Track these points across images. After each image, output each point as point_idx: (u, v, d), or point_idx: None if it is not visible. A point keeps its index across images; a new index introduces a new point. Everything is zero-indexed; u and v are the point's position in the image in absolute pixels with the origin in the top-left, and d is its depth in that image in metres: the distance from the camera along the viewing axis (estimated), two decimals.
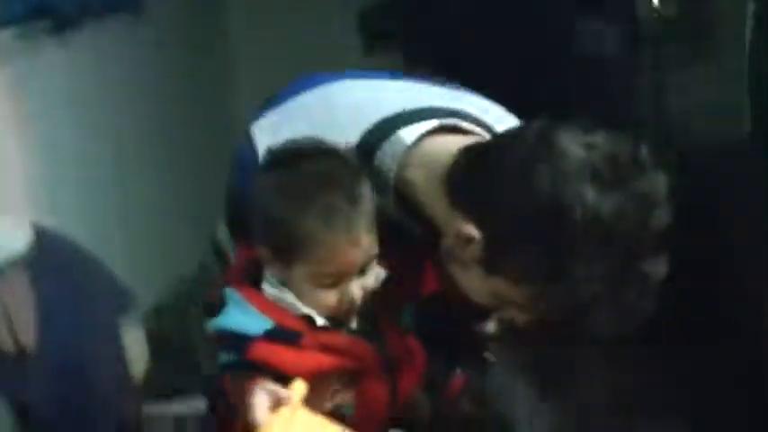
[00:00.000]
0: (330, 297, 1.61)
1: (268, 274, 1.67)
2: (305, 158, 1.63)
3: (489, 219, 1.57)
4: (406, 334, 1.74)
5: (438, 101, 1.80)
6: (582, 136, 1.55)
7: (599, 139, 1.55)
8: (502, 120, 1.84)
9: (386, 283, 1.67)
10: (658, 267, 1.56)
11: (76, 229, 2.56)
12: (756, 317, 3.07)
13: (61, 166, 2.98)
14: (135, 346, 2.94)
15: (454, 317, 1.77)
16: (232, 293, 1.67)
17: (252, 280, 1.69)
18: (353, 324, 1.69)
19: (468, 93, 1.91)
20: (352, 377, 1.67)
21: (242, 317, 1.63)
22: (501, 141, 1.66)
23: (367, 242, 1.59)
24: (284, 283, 1.65)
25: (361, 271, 1.60)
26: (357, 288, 1.61)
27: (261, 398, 1.51)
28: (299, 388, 1.53)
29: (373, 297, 1.66)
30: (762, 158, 3.00)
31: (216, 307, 1.67)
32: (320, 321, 1.63)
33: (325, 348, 1.63)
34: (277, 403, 1.51)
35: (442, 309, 1.79)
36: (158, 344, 3.01)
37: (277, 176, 1.63)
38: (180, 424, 3.09)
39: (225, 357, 1.64)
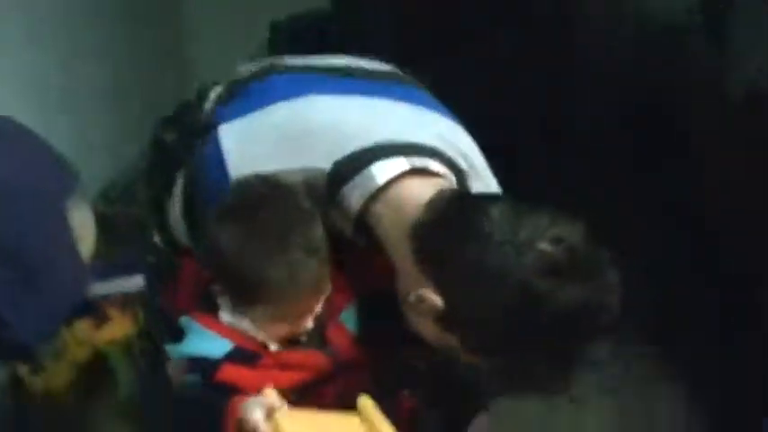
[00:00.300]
0: (285, 329, 1.73)
1: (222, 302, 1.75)
2: (262, 207, 1.68)
3: (451, 291, 1.64)
4: (352, 335, 1.84)
5: (409, 128, 1.83)
6: (547, 228, 1.61)
7: (563, 231, 1.61)
8: (470, 150, 1.91)
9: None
10: (600, 353, 1.66)
11: (20, 113, 2.59)
12: None
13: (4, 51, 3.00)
14: (83, 227, 3.00)
15: (396, 313, 1.80)
16: (189, 322, 1.77)
17: (205, 304, 1.78)
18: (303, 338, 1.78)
19: (431, 106, 1.97)
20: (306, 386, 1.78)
21: (202, 343, 1.73)
22: (468, 214, 1.67)
23: (327, 286, 1.71)
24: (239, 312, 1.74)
25: None
26: (311, 320, 1.74)
27: (255, 411, 1.59)
28: (271, 392, 1.64)
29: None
30: None
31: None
32: (273, 347, 1.75)
33: (284, 366, 1.76)
34: (269, 412, 1.60)
35: (383, 306, 1.82)
36: (105, 226, 3.09)
37: (235, 229, 1.67)
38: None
39: (192, 381, 1.73)
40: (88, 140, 3.41)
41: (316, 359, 1.79)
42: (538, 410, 2.20)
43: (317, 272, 1.67)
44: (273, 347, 1.76)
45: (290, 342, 1.78)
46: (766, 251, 2.96)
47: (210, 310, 1.77)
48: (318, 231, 1.69)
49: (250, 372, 1.73)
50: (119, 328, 3.20)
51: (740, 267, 3.21)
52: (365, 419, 1.64)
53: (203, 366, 1.72)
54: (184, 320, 1.78)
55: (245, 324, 1.74)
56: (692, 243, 3.35)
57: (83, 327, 3.16)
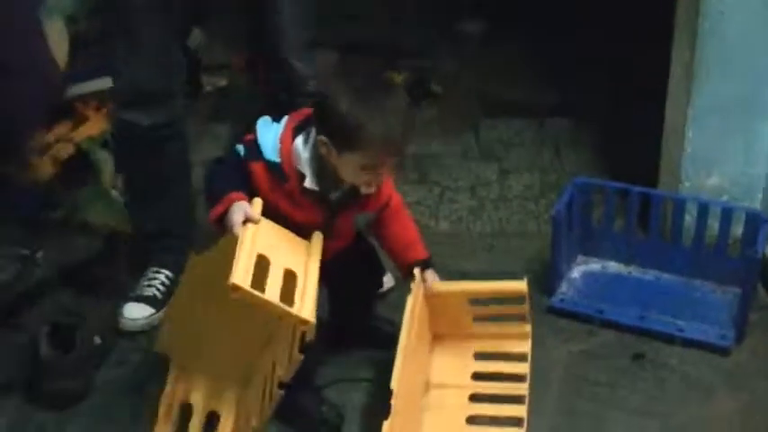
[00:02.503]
0: (364, 178, 2.14)
1: (310, 135, 2.15)
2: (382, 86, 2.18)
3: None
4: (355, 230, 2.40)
5: None
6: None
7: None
8: None
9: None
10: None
11: None
12: None
13: None
14: (57, 38, 3.68)
15: None
16: (281, 123, 2.19)
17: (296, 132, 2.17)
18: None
19: None
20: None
21: (270, 146, 2.14)
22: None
23: (399, 155, 2.14)
24: (310, 143, 2.15)
25: None
26: (382, 177, 2.19)
27: (238, 215, 2.04)
28: (258, 203, 2.10)
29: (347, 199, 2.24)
30: None
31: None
32: (308, 183, 2.15)
33: (295, 201, 2.18)
34: (247, 218, 2.04)
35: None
36: (77, 40, 3.68)
37: (350, 94, 2.07)
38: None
39: (239, 149, 2.18)
40: None
41: (317, 212, 2.21)
42: None
43: (399, 133, 2.07)
44: (308, 184, 2.14)
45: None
46: None
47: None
48: (403, 105, 2.12)
49: (270, 184, 2.15)
50: (95, 125, 3.58)
51: None
52: (312, 247, 2.17)
53: (249, 153, 2.16)
54: (282, 120, 2.20)
55: (304, 157, 2.14)
56: None
57: (63, 127, 3.57)
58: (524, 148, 3.87)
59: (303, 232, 2.18)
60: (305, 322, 1.98)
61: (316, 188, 2.16)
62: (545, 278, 2.93)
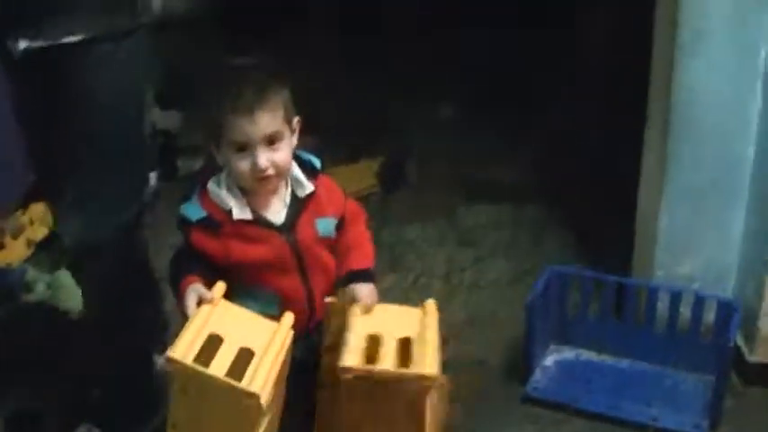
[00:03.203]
0: (247, 164, 2.06)
1: (216, 175, 2.15)
2: (239, 73, 2.20)
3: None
4: (317, 236, 2.19)
5: None
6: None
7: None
8: None
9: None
10: None
11: None
12: None
13: None
14: None
15: None
16: (196, 191, 2.17)
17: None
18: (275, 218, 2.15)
19: None
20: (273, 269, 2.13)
21: (191, 208, 2.14)
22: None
23: (265, 121, 2.04)
24: (225, 177, 2.13)
25: (271, 143, 2.07)
26: (264, 156, 2.06)
27: (191, 298, 2.01)
28: (219, 288, 2.06)
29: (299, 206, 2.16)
30: None
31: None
32: (237, 214, 2.10)
33: (243, 237, 2.11)
34: (201, 301, 2.01)
35: None
36: None
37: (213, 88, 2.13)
38: None
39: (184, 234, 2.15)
40: None
41: (271, 236, 2.13)
42: None
43: (256, 105, 2.04)
44: (236, 215, 2.10)
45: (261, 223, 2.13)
46: None
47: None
48: (276, 88, 2.09)
49: (214, 241, 2.10)
50: None
51: None
52: (280, 327, 2.07)
53: (183, 227, 2.14)
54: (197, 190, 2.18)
55: (221, 193, 2.12)
56: None
57: (38, 208, 3.55)
58: (500, 232, 3.87)
59: (281, 279, 2.15)
60: (251, 396, 1.88)
61: (249, 216, 2.12)
62: (519, 366, 2.90)
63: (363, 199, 3.90)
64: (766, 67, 2.69)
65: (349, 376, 1.95)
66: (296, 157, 2.18)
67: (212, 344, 1.96)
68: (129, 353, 2.56)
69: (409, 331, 2.08)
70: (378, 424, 2.13)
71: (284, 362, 2.03)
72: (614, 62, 4.22)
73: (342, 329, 2.10)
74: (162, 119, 4.53)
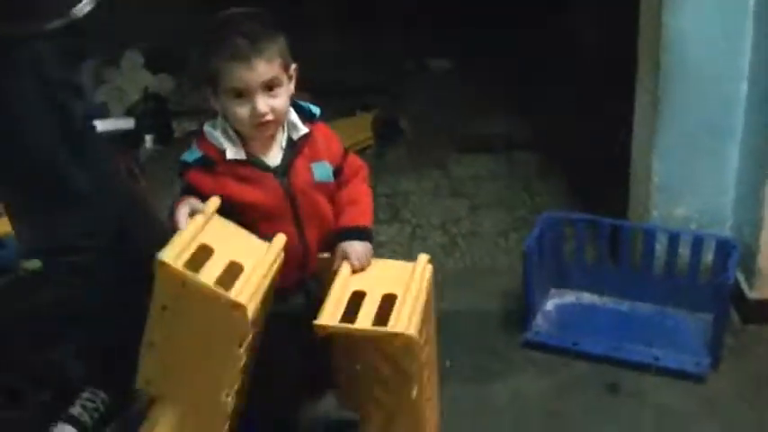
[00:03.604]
0: (246, 110, 2.08)
1: (212, 119, 2.17)
2: (232, 22, 2.11)
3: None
4: (311, 180, 2.18)
5: None
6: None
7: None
8: None
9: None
10: None
11: None
12: None
13: None
14: None
15: None
16: (195, 139, 2.19)
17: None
18: (271, 161, 2.15)
19: None
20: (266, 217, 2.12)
21: (189, 152, 2.16)
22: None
23: (262, 68, 2.05)
24: (221, 120, 2.15)
25: (270, 89, 2.08)
26: (263, 102, 2.08)
27: (183, 209, 2.02)
28: (213, 201, 2.05)
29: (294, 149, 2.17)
30: None
31: None
32: (231, 155, 2.11)
33: (238, 177, 2.12)
34: (194, 212, 2.02)
35: None
36: None
37: (210, 35, 2.12)
38: None
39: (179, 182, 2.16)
40: None
41: (265, 178, 2.14)
42: None
43: (252, 54, 2.05)
44: (230, 155, 2.11)
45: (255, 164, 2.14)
46: None
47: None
48: (269, 35, 2.09)
49: (210, 178, 2.11)
50: None
51: None
52: (271, 247, 2.07)
53: (181, 169, 2.15)
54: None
55: (215, 134, 2.13)
56: None
57: None
58: (494, 183, 3.88)
59: (276, 227, 2.12)
60: (237, 307, 1.87)
61: (243, 157, 2.13)
62: (519, 312, 2.92)
63: (360, 152, 3.92)
64: (756, 6, 2.68)
65: (323, 334, 1.94)
66: (294, 104, 2.18)
67: (203, 254, 1.94)
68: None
69: (396, 288, 2.07)
70: (369, 382, 2.14)
71: (271, 284, 2.02)
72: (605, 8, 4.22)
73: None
74: (154, 83, 4.54)
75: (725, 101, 2.81)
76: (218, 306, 1.89)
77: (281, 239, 2.08)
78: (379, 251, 3.07)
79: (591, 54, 4.45)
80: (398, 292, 2.05)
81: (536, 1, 4.91)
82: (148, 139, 4.13)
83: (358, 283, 2.09)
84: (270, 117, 2.09)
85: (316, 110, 2.23)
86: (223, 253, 1.96)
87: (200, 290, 1.88)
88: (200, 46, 2.11)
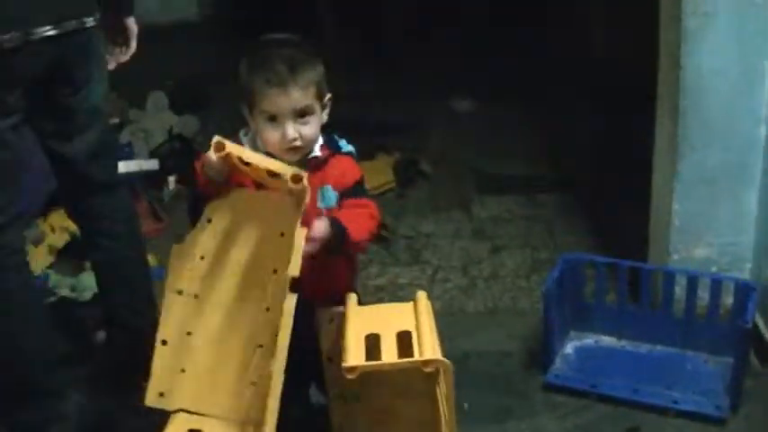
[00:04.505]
0: (277, 135, 2.18)
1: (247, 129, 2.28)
2: (275, 46, 2.22)
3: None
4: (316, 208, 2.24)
5: None
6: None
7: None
8: None
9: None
10: None
11: None
12: None
13: None
14: None
15: None
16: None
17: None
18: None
19: None
20: None
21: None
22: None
23: (296, 95, 2.14)
24: (250, 133, 2.26)
25: (301, 116, 2.17)
26: (292, 128, 2.16)
27: (210, 153, 2.09)
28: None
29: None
30: None
31: None
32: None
33: (252, 180, 2.21)
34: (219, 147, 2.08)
35: None
36: None
37: (252, 56, 2.21)
38: None
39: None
40: None
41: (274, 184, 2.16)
42: None
43: (289, 80, 2.14)
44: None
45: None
46: None
47: None
48: (308, 62, 2.18)
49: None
50: None
51: None
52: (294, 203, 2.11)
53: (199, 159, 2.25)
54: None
55: (244, 140, 2.26)
56: None
57: (58, 215, 3.59)
58: (516, 224, 3.89)
59: None
60: (297, 178, 2.01)
61: None
62: (539, 355, 2.93)
63: (381, 195, 3.94)
64: None
65: (354, 375, 1.96)
66: (327, 134, 2.26)
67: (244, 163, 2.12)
68: None
69: (406, 325, 2.11)
70: (393, 420, 2.17)
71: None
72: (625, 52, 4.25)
73: (338, 336, 2.15)
74: (178, 123, 4.58)
75: (744, 143, 2.81)
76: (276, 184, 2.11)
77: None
78: (400, 294, 3.11)
79: (614, 97, 4.46)
80: (410, 328, 2.10)
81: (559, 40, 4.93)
82: (171, 180, 4.16)
83: (368, 327, 2.12)
84: (298, 143, 2.18)
85: (346, 147, 2.31)
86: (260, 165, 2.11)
87: (260, 171, 2.10)
88: (244, 63, 2.21)
